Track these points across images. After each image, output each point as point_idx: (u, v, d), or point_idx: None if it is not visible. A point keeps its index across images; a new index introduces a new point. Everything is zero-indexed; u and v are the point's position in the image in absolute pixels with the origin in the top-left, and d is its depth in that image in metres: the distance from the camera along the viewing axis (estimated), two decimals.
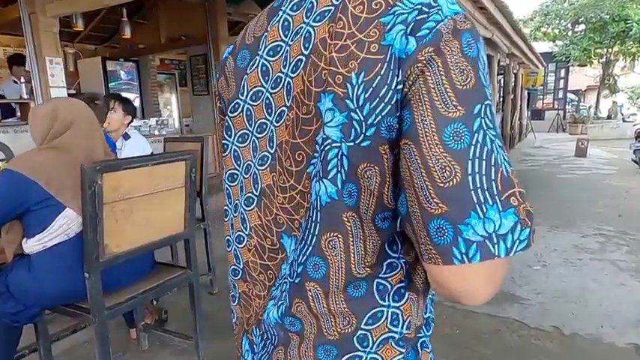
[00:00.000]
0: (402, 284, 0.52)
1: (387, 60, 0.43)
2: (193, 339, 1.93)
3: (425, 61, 0.41)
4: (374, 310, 0.51)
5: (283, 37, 0.53)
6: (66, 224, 1.47)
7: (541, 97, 16.32)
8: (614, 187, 6.49)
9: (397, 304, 0.52)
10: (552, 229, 4.36)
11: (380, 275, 0.51)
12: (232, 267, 0.66)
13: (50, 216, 1.45)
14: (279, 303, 0.57)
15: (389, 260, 0.51)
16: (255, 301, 0.63)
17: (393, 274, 0.51)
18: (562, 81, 16.50)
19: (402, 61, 0.42)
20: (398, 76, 0.43)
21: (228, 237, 0.66)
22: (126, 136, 2.65)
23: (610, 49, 14.38)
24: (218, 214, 3.37)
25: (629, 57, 14.93)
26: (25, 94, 4.05)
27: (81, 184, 1.38)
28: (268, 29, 0.55)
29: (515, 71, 9.54)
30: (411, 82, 0.42)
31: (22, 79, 4.01)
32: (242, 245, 0.63)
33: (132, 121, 2.76)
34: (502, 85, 9.17)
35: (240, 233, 0.63)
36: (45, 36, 3.44)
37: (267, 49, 0.55)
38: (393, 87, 0.43)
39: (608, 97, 17.23)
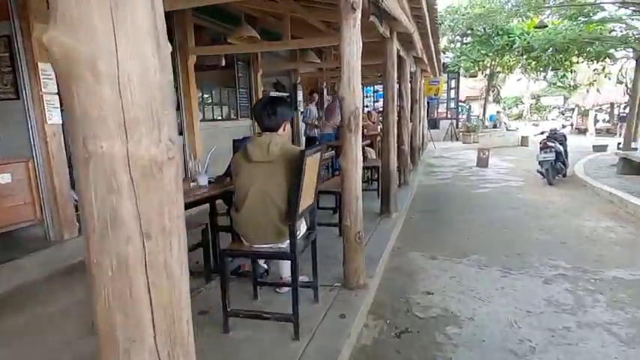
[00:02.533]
0: None
1: None
2: None
3: None
4: None
5: None
6: None
7: (436, 106, 16.78)
8: (533, 201, 6.13)
9: None
10: (506, 272, 3.46)
11: None
12: None
13: None
14: None
15: None
16: None
17: None
18: (453, 91, 17.21)
19: None
20: None
21: None
22: None
23: (494, 61, 15.28)
24: None
25: (508, 69, 16.11)
26: None
27: None
28: None
29: (419, 78, 9.07)
30: None
31: None
32: None
33: None
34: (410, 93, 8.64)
35: None
36: None
37: None
38: None
39: (486, 107, 18.48)
